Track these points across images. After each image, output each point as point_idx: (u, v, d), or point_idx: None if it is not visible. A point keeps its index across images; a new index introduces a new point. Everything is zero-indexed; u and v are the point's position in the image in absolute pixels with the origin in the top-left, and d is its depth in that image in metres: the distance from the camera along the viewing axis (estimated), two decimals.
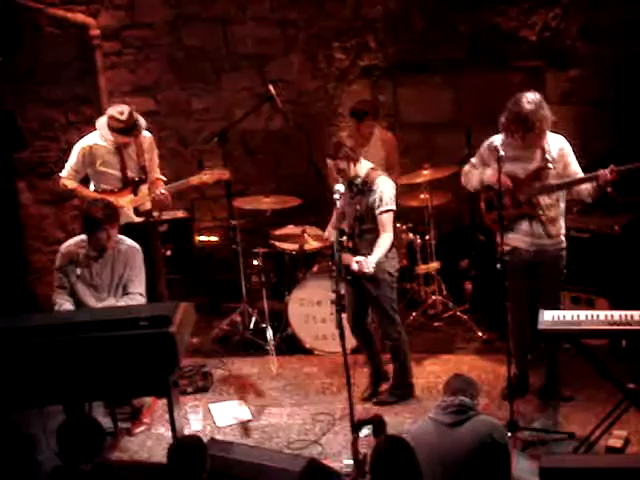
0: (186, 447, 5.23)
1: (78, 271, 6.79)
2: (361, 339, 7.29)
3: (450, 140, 8.78)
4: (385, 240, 6.85)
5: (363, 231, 6.94)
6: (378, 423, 6.55)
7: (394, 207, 6.92)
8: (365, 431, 6.54)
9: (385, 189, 6.87)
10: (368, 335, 7.29)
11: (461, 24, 8.68)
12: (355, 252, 6.89)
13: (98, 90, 8.91)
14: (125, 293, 6.83)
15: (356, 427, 6.16)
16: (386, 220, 6.87)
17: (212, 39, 8.97)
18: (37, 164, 9.21)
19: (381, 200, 6.84)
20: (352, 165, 6.86)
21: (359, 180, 6.91)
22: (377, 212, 6.86)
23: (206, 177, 7.69)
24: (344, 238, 6.85)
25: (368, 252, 6.82)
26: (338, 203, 6.44)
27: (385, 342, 7.29)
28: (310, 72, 9.02)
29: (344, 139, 7.05)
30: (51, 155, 9.12)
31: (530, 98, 6.52)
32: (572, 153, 6.72)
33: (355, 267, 6.71)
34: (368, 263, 6.70)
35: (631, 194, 7.51)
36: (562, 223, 6.83)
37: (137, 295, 6.84)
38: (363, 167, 6.94)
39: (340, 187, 6.44)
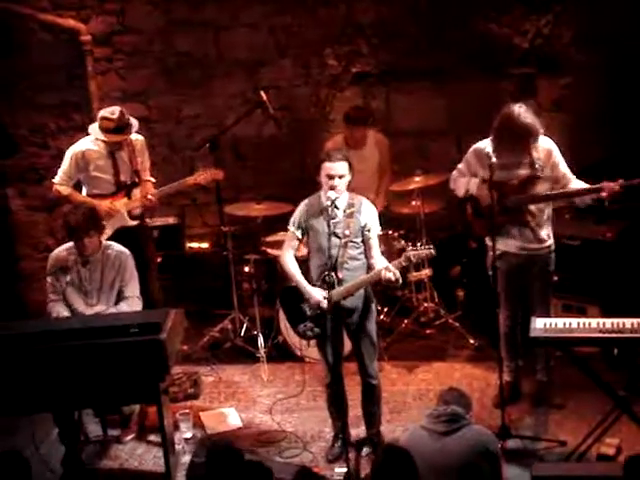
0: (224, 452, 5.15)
1: (68, 277, 6.75)
2: (338, 386, 6.55)
3: (442, 147, 8.79)
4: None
5: (349, 258, 6.29)
6: (379, 441, 6.56)
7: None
8: (366, 449, 6.52)
9: (374, 211, 6.43)
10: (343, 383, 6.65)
11: (453, 31, 8.67)
12: (340, 284, 6.22)
13: (89, 96, 8.87)
14: (123, 297, 6.78)
15: (357, 446, 6.15)
16: (377, 242, 6.39)
17: (203, 45, 8.94)
18: (27, 170, 9.18)
19: (374, 222, 6.36)
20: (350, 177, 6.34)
21: (345, 202, 6.33)
22: (371, 234, 6.31)
23: (200, 178, 7.67)
24: (333, 275, 6.19)
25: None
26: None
27: (368, 382, 6.55)
28: (302, 78, 8.99)
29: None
30: (41, 161, 9.09)
31: (520, 112, 6.48)
32: (560, 154, 6.70)
33: (391, 275, 6.05)
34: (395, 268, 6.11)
35: (626, 200, 7.49)
36: (550, 226, 6.84)
37: (135, 298, 6.80)
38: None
39: (332, 194, 6.21)
